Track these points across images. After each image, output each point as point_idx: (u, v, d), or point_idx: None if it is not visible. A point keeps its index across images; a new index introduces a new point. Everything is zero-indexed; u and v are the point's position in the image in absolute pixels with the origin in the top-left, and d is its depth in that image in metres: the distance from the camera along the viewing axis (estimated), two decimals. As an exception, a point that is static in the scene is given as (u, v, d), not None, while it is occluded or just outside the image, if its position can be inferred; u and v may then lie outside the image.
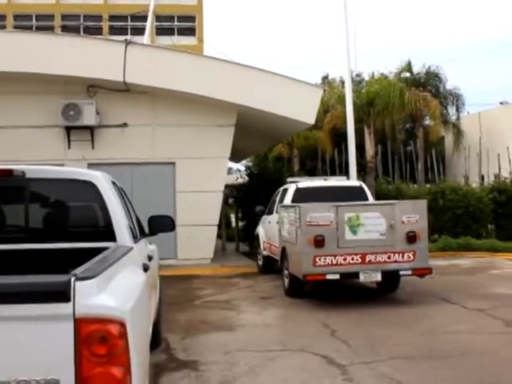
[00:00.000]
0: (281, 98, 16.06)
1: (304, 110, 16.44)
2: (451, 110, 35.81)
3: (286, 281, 11.38)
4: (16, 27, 38.86)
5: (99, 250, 4.18)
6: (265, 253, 14.68)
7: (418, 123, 33.16)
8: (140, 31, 28.52)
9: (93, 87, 16.06)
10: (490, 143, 31.51)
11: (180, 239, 16.24)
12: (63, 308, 2.66)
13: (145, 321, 3.92)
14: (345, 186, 13.63)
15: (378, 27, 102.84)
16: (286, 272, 11.44)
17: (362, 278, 10.15)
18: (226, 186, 18.67)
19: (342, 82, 28.52)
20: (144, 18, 26.05)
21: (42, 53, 15.12)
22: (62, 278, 2.73)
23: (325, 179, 14.57)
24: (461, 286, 12.00)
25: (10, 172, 4.90)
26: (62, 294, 2.65)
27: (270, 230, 14.11)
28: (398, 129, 33.43)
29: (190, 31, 42.37)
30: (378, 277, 10.16)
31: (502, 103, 36.23)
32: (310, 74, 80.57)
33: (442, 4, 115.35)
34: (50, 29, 37.35)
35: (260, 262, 15.31)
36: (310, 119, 16.69)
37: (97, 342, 2.69)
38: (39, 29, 35.10)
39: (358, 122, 22.44)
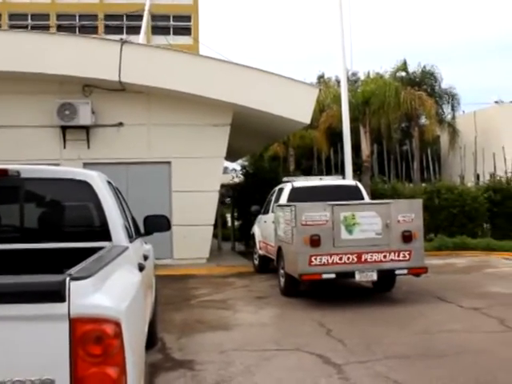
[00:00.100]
0: (276, 97, 16.05)
1: (300, 110, 16.44)
2: (447, 109, 35.88)
3: (282, 280, 11.38)
4: (11, 26, 38.77)
5: (94, 250, 4.18)
6: (261, 252, 14.68)
7: (413, 122, 33.21)
8: (135, 30, 28.53)
9: (88, 87, 16.03)
10: (486, 142, 31.56)
11: (176, 239, 16.22)
12: (58, 308, 2.66)
13: (140, 320, 3.92)
14: (340, 186, 13.63)
15: (373, 26, 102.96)
16: (281, 271, 11.44)
17: (357, 277, 10.15)
18: (222, 186, 18.68)
19: (338, 82, 28.53)
20: (139, 18, 26.01)
21: (38, 52, 15.09)
22: (56, 277, 2.72)
23: (320, 178, 14.56)
24: (456, 285, 12.02)
25: (4, 172, 4.89)
26: (57, 294, 2.65)
27: (265, 229, 14.10)
28: (393, 128, 33.48)
29: (186, 31, 42.32)
30: (374, 276, 10.17)
31: (497, 102, 36.28)
32: (306, 73, 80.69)
33: (438, 3, 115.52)
34: (46, 28, 37.33)
35: (256, 262, 15.30)
36: (306, 119, 16.69)
37: (92, 341, 2.69)
38: (34, 28, 35.01)
39: (354, 121, 22.48)
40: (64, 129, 15.92)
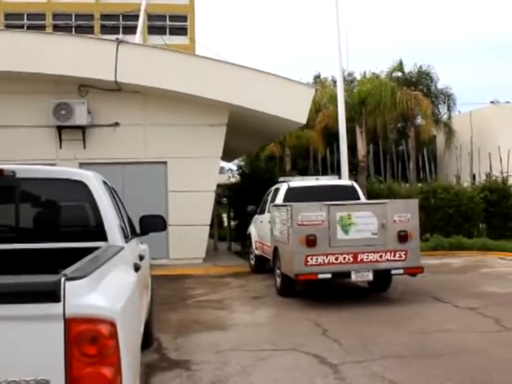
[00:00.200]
0: (273, 97, 16.06)
1: (296, 110, 16.45)
2: (442, 109, 35.93)
3: (278, 280, 11.38)
4: (7, 26, 38.66)
5: (90, 250, 4.17)
6: (257, 252, 14.68)
7: (409, 122, 33.25)
8: (132, 30, 28.53)
9: (84, 87, 16.02)
10: (482, 142, 31.62)
11: (172, 239, 16.22)
12: (53, 308, 2.66)
13: (136, 320, 3.91)
14: (336, 186, 13.64)
15: (369, 26, 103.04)
16: (277, 271, 11.44)
17: (353, 277, 10.16)
18: (218, 186, 18.67)
19: (334, 82, 28.55)
20: (136, 17, 25.98)
21: (33, 52, 15.07)
22: (52, 278, 2.72)
23: (316, 178, 14.58)
24: (452, 285, 12.04)
25: (0, 172, 4.88)
26: (52, 294, 2.65)
27: (261, 229, 14.10)
28: (389, 128, 33.47)
29: (182, 31, 42.28)
30: (370, 276, 10.17)
31: (492, 102, 36.35)
32: (302, 73, 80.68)
33: (434, 3, 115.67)
34: (42, 28, 37.25)
35: (252, 262, 15.30)
36: (302, 119, 16.70)
37: (87, 342, 2.69)
38: (30, 28, 34.98)
39: (350, 121, 22.49)
40: (60, 129, 15.91)
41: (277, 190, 13.71)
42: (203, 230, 16.68)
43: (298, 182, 13.91)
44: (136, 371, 3.52)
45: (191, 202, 16.08)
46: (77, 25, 41.98)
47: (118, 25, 40.64)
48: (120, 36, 23.59)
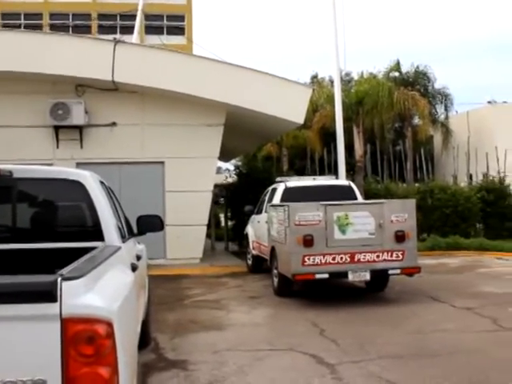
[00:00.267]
0: (270, 97, 16.06)
1: (293, 110, 16.45)
2: (440, 110, 35.92)
3: (275, 280, 11.39)
4: (4, 26, 38.59)
5: (87, 250, 4.17)
6: (254, 252, 14.68)
7: (406, 122, 33.26)
8: (129, 30, 28.45)
9: (81, 86, 16.00)
10: (479, 142, 31.64)
11: (169, 239, 16.21)
12: (50, 308, 2.65)
13: (133, 320, 3.91)
14: (334, 186, 13.65)
15: (366, 26, 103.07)
16: (275, 271, 11.44)
17: (350, 277, 10.16)
18: (216, 186, 18.67)
19: (331, 82, 28.53)
20: (133, 17, 25.95)
21: (31, 52, 15.05)
22: (48, 278, 2.71)
23: (314, 178, 14.57)
24: (449, 285, 12.06)
25: (-3, 172, 4.87)
26: (49, 294, 2.64)
27: (259, 229, 14.10)
28: (386, 128, 33.51)
29: (180, 30, 42.27)
30: (367, 276, 10.18)
31: (490, 102, 36.37)
32: (299, 73, 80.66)
33: (430, 3, 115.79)
34: (39, 27, 37.23)
35: (249, 262, 15.30)
36: (299, 119, 16.70)
37: (84, 342, 2.68)
38: (27, 27, 34.89)
39: (347, 121, 22.51)
40: (57, 128, 15.89)
41: (274, 189, 13.71)
42: (200, 230, 16.68)
43: (295, 181, 13.92)
44: (133, 371, 3.52)
45: (188, 202, 16.08)
46: (74, 24, 41.95)
47: (115, 24, 40.60)
48: (117, 36, 23.58)
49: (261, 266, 14.22)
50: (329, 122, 26.22)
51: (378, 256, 10.11)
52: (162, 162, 16.51)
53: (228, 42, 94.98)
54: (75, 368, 2.68)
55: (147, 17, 34.44)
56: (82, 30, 39.11)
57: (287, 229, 10.24)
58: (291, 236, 10.08)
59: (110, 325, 2.77)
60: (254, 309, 10.22)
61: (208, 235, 18.96)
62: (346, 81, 36.74)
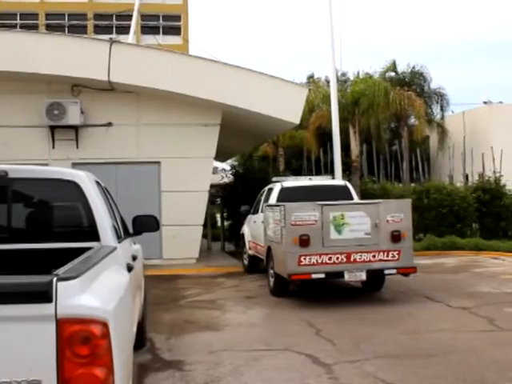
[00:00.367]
0: (266, 97, 16.06)
1: (289, 110, 16.45)
2: (436, 110, 35.91)
3: (272, 280, 11.39)
4: None
5: (82, 250, 4.17)
6: (250, 252, 14.68)
7: (402, 122, 33.28)
8: (125, 30, 28.49)
9: (77, 86, 15.97)
10: (474, 142, 31.70)
11: (165, 239, 16.20)
12: (45, 308, 2.65)
13: (128, 321, 3.91)
14: (330, 186, 13.66)
15: (363, 26, 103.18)
16: (271, 271, 11.44)
17: (347, 277, 10.17)
18: (212, 186, 18.65)
19: (328, 82, 28.53)
20: (129, 17, 25.93)
21: (26, 52, 15.01)
22: (44, 278, 2.71)
23: (310, 179, 14.58)
24: (445, 285, 12.07)
25: (-8, 172, 4.86)
26: (44, 295, 2.64)
27: (255, 229, 14.10)
28: (382, 128, 33.46)
29: (176, 30, 42.24)
30: (363, 276, 10.19)
31: (485, 103, 36.39)
32: (296, 73, 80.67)
33: (427, 3, 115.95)
34: (35, 27, 37.16)
35: (245, 262, 15.31)
36: (296, 119, 16.70)
37: (79, 342, 2.68)
38: (23, 27, 34.85)
39: (343, 121, 22.50)
40: (53, 128, 15.86)
41: (270, 189, 13.71)
42: (196, 230, 16.67)
43: (292, 182, 13.93)
44: (129, 372, 3.51)
45: (185, 202, 16.07)
46: (70, 24, 41.89)
47: (111, 24, 40.58)
48: (113, 36, 23.60)
49: (257, 266, 14.23)
50: (325, 122, 26.20)
51: (373, 256, 10.12)
52: (158, 162, 16.50)
53: (224, 42, 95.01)
54: (70, 368, 2.68)
55: (143, 17, 34.52)
56: (78, 30, 39.04)
57: (283, 229, 10.24)
58: (287, 236, 10.09)
59: (105, 325, 2.76)
60: (250, 309, 10.22)
61: (204, 235, 18.95)
62: (342, 81, 36.78)
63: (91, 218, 4.89)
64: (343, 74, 38.74)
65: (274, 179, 14.77)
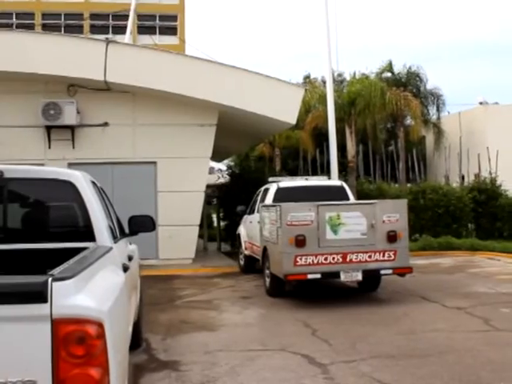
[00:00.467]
0: (262, 97, 16.06)
1: (285, 110, 16.46)
2: (432, 110, 35.93)
3: (268, 280, 11.39)
4: (-4, 25, 38.47)
5: (78, 250, 4.16)
6: (246, 252, 14.68)
7: (398, 123, 33.30)
8: (121, 30, 28.44)
9: (73, 86, 15.96)
10: (470, 143, 31.76)
11: (161, 239, 16.20)
12: (40, 309, 2.64)
13: (124, 321, 3.91)
14: (326, 186, 13.66)
15: (359, 27, 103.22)
16: (267, 272, 11.44)
17: (343, 277, 10.18)
18: (208, 186, 18.65)
19: (324, 82, 28.55)
20: (125, 17, 25.91)
21: (23, 51, 14.99)
22: (39, 278, 2.70)
23: (306, 179, 14.58)
24: (441, 285, 12.09)
25: (-12, 172, 4.85)
26: (40, 295, 2.64)
27: (251, 229, 14.10)
28: (379, 128, 33.51)
29: (172, 30, 42.22)
30: (359, 276, 10.20)
31: (481, 103, 36.44)
32: (292, 73, 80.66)
33: (423, 4, 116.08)
34: (31, 27, 37.09)
35: (241, 262, 15.30)
36: (292, 119, 16.71)
37: (74, 342, 2.68)
38: (19, 27, 34.78)
39: (340, 121, 22.51)
40: (49, 128, 15.84)
41: (266, 190, 13.71)
42: (193, 231, 16.66)
43: (288, 182, 13.94)
44: (124, 372, 3.51)
45: (181, 202, 16.07)
46: (66, 24, 41.83)
47: (107, 24, 40.52)
48: (110, 36, 23.55)
49: (253, 266, 14.23)
50: (321, 123, 26.24)
51: (369, 256, 10.13)
52: (155, 162, 16.49)
53: (221, 42, 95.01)
54: (66, 369, 2.67)
55: (140, 17, 34.45)
56: (75, 29, 38.99)
57: (279, 229, 10.24)
58: (283, 236, 10.09)
59: (100, 325, 2.76)
60: (246, 309, 10.22)
61: (200, 235, 18.94)
62: (339, 81, 36.80)
63: (87, 218, 4.88)
64: (340, 75, 38.77)
65: (270, 179, 14.77)
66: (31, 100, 15.53)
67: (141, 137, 16.36)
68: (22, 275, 3.19)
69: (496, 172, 22.59)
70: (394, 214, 10.30)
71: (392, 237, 10.18)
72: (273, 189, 13.22)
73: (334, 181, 15.93)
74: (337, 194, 12.79)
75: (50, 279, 2.68)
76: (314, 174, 27.23)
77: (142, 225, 6.57)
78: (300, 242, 9.96)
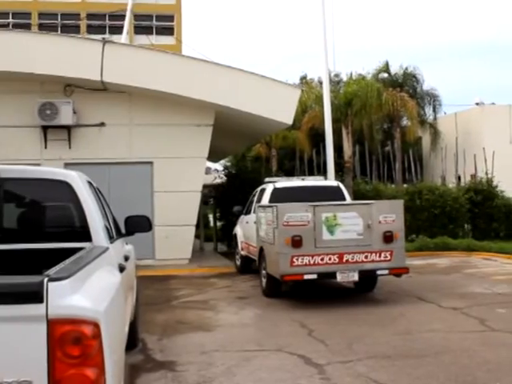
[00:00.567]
0: (259, 98, 16.06)
1: (282, 110, 16.45)
2: (428, 111, 36.00)
3: (264, 281, 11.39)
4: (-8, 25, 38.39)
5: (74, 251, 4.15)
6: (243, 253, 14.68)
7: (395, 123, 33.36)
8: (118, 30, 28.45)
9: (70, 86, 15.93)
10: (467, 143, 31.81)
11: (158, 239, 16.18)
12: (36, 309, 2.64)
13: (120, 321, 3.90)
14: (322, 186, 13.66)
15: (356, 27, 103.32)
16: (263, 272, 11.44)
17: (339, 277, 10.18)
18: (205, 186, 18.64)
19: (320, 83, 28.54)
20: (122, 17, 25.88)
21: (19, 51, 14.96)
22: (35, 278, 2.70)
23: (302, 179, 14.58)
24: (437, 286, 12.10)
25: (-17, 172, 4.84)
26: (35, 295, 2.63)
27: (247, 230, 14.10)
28: (375, 129, 33.57)
29: (169, 31, 42.19)
30: (356, 276, 10.20)
31: (478, 104, 36.49)
32: (289, 73, 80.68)
33: (420, 5, 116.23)
34: (27, 27, 37.02)
35: (238, 262, 15.30)
36: (288, 119, 16.71)
37: (70, 343, 2.67)
38: (16, 27, 34.70)
39: (336, 122, 22.54)
40: (45, 128, 15.80)
41: (263, 190, 13.71)
42: (189, 231, 16.65)
43: (284, 182, 13.93)
44: (120, 372, 3.51)
45: (177, 203, 16.06)
46: (63, 24, 41.76)
47: (104, 24, 40.48)
48: (106, 36, 23.53)
49: (249, 266, 14.22)
50: (318, 123, 26.23)
51: (366, 256, 10.13)
52: (151, 163, 16.47)
53: (218, 42, 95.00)
54: (61, 369, 2.67)
55: (136, 17, 34.46)
56: (71, 29, 38.91)
57: (276, 229, 10.24)
58: (280, 236, 10.09)
59: (96, 326, 2.76)
60: (242, 309, 10.22)
61: (197, 236, 18.94)
62: (335, 82, 36.87)
63: (83, 219, 4.87)
64: (336, 75, 38.83)
65: (266, 180, 14.77)
66: (27, 100, 15.50)
67: (137, 137, 16.35)
68: (17, 275, 3.18)
69: (492, 173, 22.62)
70: (390, 214, 10.31)
71: (388, 237, 10.18)
72: (269, 189, 13.22)
73: (331, 181, 15.93)
74: (333, 194, 12.79)
75: (45, 279, 2.67)
76: (311, 174, 27.24)
77: (138, 225, 6.56)
78: (296, 242, 9.95)
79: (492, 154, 25.51)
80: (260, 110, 15.99)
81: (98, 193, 5.85)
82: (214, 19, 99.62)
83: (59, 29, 40.57)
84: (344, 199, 12.86)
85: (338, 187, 13.47)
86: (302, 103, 25.03)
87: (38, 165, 13.77)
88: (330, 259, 10.02)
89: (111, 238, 5.31)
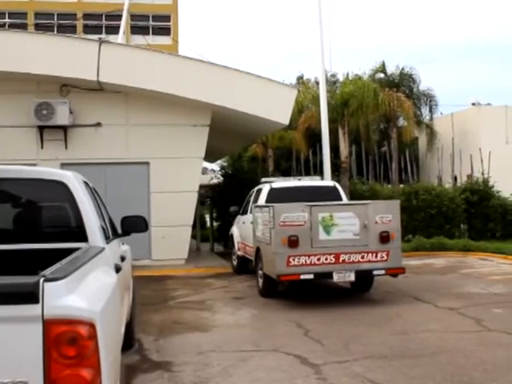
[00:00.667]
0: (255, 98, 16.06)
1: (278, 110, 16.46)
2: (425, 111, 36.08)
3: (261, 281, 11.39)
4: (-12, 25, 38.33)
5: (70, 251, 4.14)
6: (239, 253, 14.68)
7: (391, 124, 33.39)
8: (114, 30, 28.38)
9: (66, 86, 15.92)
10: (463, 144, 31.86)
11: (154, 240, 16.18)
12: (32, 309, 2.63)
13: (116, 322, 3.89)
14: (319, 186, 13.66)
15: (352, 28, 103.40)
16: (260, 272, 11.44)
17: (335, 277, 10.18)
18: (201, 186, 18.64)
19: (317, 83, 28.57)
20: (119, 17, 25.87)
21: (15, 51, 14.95)
22: (30, 279, 2.69)
23: (299, 179, 14.58)
24: (434, 286, 12.12)
25: (-21, 172, 4.83)
26: (31, 296, 2.62)
27: (244, 230, 14.10)
28: (372, 129, 33.60)
29: (165, 31, 42.17)
30: (352, 277, 10.21)
31: (474, 104, 36.56)
32: (286, 74, 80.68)
33: (417, 5, 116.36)
34: (24, 27, 36.95)
35: (234, 263, 15.30)
36: (285, 119, 16.72)
37: (66, 343, 2.66)
38: (12, 26, 34.68)
39: (333, 122, 22.53)
40: (41, 129, 15.79)
41: (259, 190, 13.71)
42: (185, 231, 16.65)
43: (281, 182, 13.92)
44: (116, 373, 3.50)
45: (173, 203, 16.05)
46: (59, 24, 41.70)
47: (100, 24, 40.43)
48: (103, 36, 23.48)
49: (246, 266, 14.23)
50: (314, 123, 26.27)
51: (362, 257, 10.14)
52: (147, 163, 16.46)
53: (214, 43, 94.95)
54: (57, 370, 2.66)
55: (133, 17, 34.43)
56: (68, 29, 38.85)
57: (272, 229, 10.24)
58: (276, 237, 10.09)
59: (92, 326, 2.75)
60: (238, 310, 10.22)
61: (193, 236, 18.93)
62: (332, 82, 36.86)
63: (79, 219, 4.86)
64: (333, 75, 38.83)
65: (263, 180, 14.76)
66: (24, 100, 15.48)
67: (134, 137, 16.34)
68: (13, 276, 3.17)
69: (488, 173, 22.68)
70: (386, 214, 10.32)
71: (385, 237, 10.19)
72: (266, 189, 13.22)
73: (327, 181, 15.93)
74: (330, 194, 12.79)
75: (41, 280, 2.67)
76: (307, 174, 27.22)
77: (134, 225, 6.55)
78: (293, 242, 9.96)
79: (488, 155, 25.55)
80: (256, 110, 16.00)
81: (94, 193, 5.84)
82: (210, 19, 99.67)
83: (55, 29, 40.52)
84: (340, 199, 12.86)
85: (334, 187, 13.47)
86: (299, 103, 25.03)
87: (35, 165, 13.76)
88: (326, 259, 10.03)
89: (107, 239, 5.30)
